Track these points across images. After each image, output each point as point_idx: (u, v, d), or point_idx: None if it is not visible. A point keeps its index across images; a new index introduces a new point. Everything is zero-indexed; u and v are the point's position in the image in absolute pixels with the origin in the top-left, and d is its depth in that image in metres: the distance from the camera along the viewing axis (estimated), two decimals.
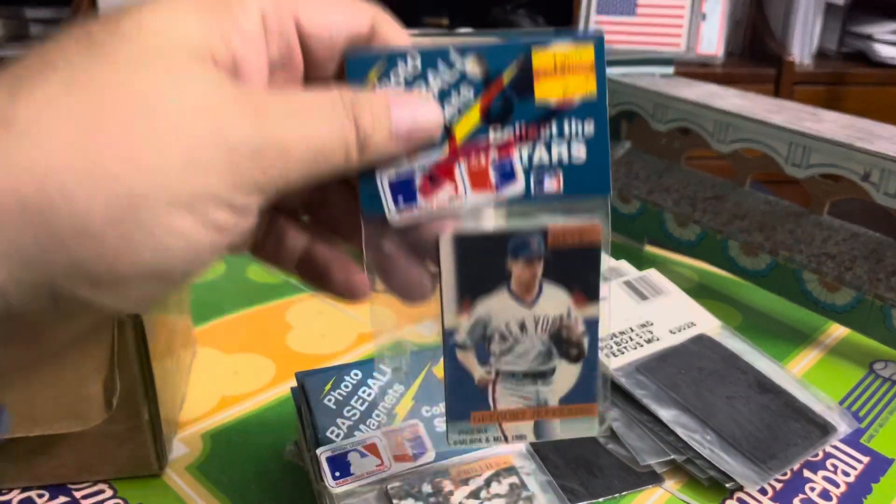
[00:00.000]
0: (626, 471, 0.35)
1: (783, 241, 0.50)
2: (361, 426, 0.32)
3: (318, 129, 0.21)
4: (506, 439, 0.26)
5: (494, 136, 0.25)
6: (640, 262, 0.59)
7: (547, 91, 0.24)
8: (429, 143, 0.24)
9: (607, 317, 0.26)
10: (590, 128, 0.25)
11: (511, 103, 0.25)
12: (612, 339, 0.39)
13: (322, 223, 0.27)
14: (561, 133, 0.25)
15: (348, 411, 0.32)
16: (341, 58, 0.24)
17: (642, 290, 0.43)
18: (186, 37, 0.20)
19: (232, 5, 0.21)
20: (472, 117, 0.24)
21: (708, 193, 0.56)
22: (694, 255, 0.57)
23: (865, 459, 0.36)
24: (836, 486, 0.35)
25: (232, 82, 0.20)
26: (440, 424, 0.32)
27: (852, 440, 0.38)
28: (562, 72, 0.24)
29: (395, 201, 0.25)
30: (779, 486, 0.34)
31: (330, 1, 0.24)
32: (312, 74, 0.24)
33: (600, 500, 0.33)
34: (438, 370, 0.35)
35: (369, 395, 0.33)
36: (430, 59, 0.24)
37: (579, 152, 0.25)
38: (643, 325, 0.40)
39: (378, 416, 0.32)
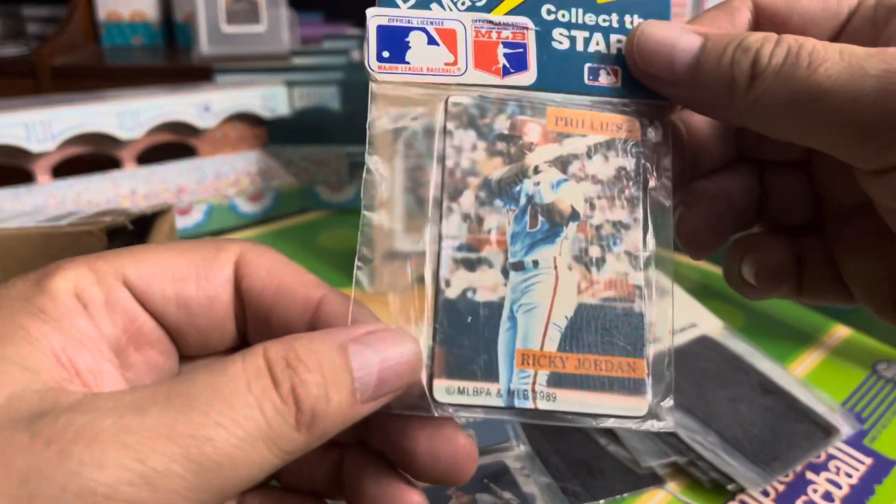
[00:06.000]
0: (627, 472, 0.35)
1: None
2: None
3: (230, 437, 0.15)
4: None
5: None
6: None
7: None
8: (402, 390, 0.18)
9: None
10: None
11: None
12: None
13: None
14: (623, 21, 0.22)
15: None
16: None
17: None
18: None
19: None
20: None
21: None
22: None
23: (868, 461, 0.36)
24: (839, 487, 0.34)
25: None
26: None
27: (855, 441, 0.37)
28: None
29: (379, 55, 0.21)
30: (781, 487, 0.34)
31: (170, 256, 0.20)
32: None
33: (601, 501, 0.33)
34: None
35: None
36: None
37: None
38: None
39: None
